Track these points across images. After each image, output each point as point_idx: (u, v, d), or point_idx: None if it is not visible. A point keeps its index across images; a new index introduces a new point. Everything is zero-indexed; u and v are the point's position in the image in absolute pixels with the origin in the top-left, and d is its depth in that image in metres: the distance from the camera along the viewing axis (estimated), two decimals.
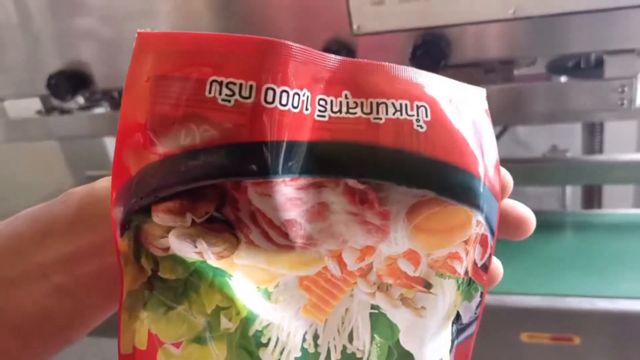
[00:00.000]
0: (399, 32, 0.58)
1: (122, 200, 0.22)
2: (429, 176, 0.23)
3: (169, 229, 0.22)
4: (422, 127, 0.23)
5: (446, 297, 0.24)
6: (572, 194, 0.86)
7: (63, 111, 0.78)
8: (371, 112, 0.23)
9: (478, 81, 0.61)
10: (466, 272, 0.24)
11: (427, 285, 0.24)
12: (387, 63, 0.24)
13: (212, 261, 0.22)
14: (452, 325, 0.25)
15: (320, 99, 0.23)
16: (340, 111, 0.23)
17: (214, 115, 0.21)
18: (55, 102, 0.74)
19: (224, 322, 0.22)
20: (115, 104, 0.78)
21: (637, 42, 0.52)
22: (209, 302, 0.22)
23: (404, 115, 0.23)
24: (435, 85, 0.24)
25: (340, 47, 0.60)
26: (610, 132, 0.87)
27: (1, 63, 0.73)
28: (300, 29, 0.62)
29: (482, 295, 0.25)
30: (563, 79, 0.59)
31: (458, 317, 0.25)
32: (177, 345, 0.22)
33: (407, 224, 0.24)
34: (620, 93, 0.53)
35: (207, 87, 0.21)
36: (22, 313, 0.27)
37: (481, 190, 0.24)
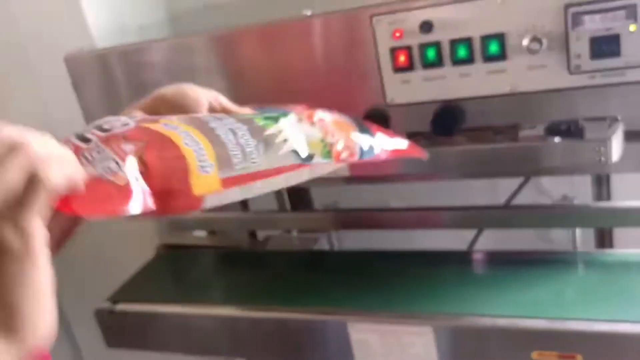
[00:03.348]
0: (423, 104, 0.74)
1: None
2: None
3: None
4: None
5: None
6: (585, 236, 0.97)
7: None
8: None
9: (488, 141, 0.76)
10: None
11: None
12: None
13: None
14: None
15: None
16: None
17: None
18: None
19: None
20: None
21: (609, 112, 0.66)
22: None
23: None
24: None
25: (377, 114, 0.77)
26: (620, 182, 0.99)
27: None
28: (345, 101, 0.78)
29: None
30: (557, 139, 0.73)
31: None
32: None
33: None
34: (597, 152, 0.67)
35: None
36: None
37: None
